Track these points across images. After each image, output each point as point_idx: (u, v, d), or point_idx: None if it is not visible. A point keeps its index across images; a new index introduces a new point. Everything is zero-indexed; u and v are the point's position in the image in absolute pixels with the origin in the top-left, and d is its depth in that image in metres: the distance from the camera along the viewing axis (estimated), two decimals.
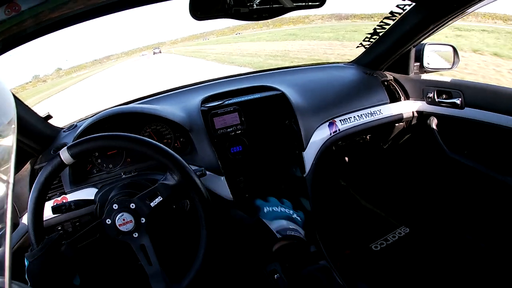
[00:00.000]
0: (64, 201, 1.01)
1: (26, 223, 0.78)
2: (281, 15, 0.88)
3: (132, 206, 0.79)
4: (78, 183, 1.07)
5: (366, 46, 1.56)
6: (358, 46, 1.59)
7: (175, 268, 0.91)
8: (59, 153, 0.76)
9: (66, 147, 0.77)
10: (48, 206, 0.98)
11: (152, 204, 0.79)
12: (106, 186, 0.94)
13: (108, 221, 0.79)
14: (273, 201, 0.94)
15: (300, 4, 0.89)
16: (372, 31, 1.45)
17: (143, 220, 0.79)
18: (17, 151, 1.07)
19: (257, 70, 1.67)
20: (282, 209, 0.89)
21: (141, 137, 0.79)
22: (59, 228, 1.06)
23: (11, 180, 0.33)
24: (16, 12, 0.80)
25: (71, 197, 1.03)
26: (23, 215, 1.03)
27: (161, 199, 0.80)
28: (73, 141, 0.79)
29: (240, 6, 0.82)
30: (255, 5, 0.83)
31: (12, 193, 0.33)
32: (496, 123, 1.17)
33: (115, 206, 0.79)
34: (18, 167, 1.08)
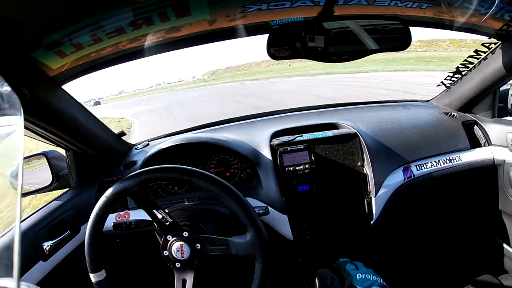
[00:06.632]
0: (126, 217, 1.05)
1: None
2: (361, 57, 0.81)
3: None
4: None
5: (447, 85, 1.41)
6: (438, 85, 1.44)
7: None
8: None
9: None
10: (111, 218, 1.02)
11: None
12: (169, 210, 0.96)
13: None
14: (362, 266, 0.82)
15: (384, 47, 0.82)
16: (454, 70, 1.31)
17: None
18: (89, 162, 1.10)
19: (328, 104, 1.58)
20: (374, 278, 0.78)
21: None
22: (118, 240, 1.10)
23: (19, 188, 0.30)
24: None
25: (134, 214, 1.05)
26: (85, 223, 1.07)
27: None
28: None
29: (326, 39, 0.77)
30: (341, 40, 0.77)
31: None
32: None
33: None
34: (88, 177, 1.13)
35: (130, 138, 8.92)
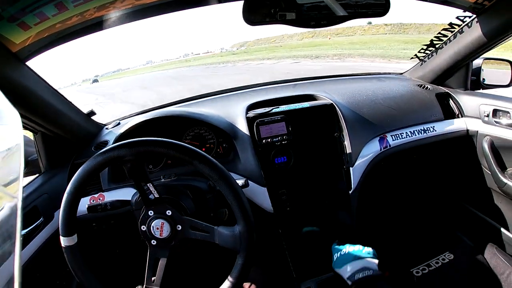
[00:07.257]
0: (100, 199, 1.00)
1: None
2: (340, 23, 0.80)
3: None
4: (116, 182, 1.04)
5: (421, 58, 1.44)
6: (412, 58, 1.48)
7: None
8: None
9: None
10: (85, 201, 0.97)
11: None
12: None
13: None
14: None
15: (361, 12, 0.81)
16: (428, 43, 1.34)
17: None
18: (59, 145, 1.03)
19: (305, 77, 1.58)
20: (351, 251, 0.81)
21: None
22: (94, 224, 1.06)
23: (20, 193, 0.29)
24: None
25: (108, 195, 1.01)
26: (58, 209, 1.01)
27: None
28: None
29: (298, 14, 0.75)
30: (313, 14, 0.76)
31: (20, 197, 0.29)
32: None
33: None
34: (59, 160, 1.06)
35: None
